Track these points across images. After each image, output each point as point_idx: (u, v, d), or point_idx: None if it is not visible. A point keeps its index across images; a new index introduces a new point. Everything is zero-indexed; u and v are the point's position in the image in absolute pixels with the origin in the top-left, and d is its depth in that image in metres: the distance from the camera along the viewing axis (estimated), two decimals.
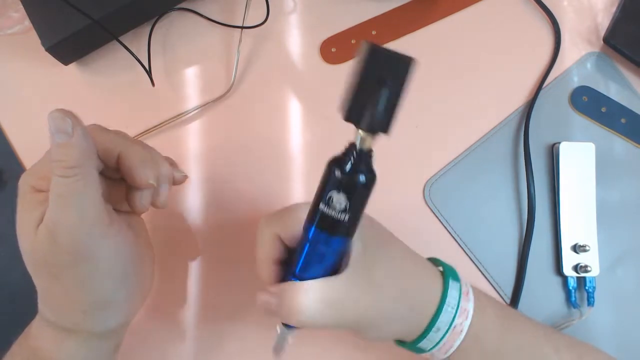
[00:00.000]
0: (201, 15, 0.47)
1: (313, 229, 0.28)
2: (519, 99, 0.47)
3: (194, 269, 0.43)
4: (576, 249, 0.43)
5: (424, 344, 0.32)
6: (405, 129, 0.46)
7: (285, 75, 0.47)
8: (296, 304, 0.28)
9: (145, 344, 0.42)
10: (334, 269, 0.30)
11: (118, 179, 0.34)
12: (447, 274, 0.33)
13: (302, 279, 0.29)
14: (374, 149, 0.28)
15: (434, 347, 0.32)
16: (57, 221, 0.28)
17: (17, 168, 0.45)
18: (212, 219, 0.44)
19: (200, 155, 0.45)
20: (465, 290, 0.33)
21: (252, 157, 0.45)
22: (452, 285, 0.32)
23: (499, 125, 0.46)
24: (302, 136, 0.46)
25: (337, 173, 0.27)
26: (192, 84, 0.47)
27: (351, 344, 0.42)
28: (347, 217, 0.27)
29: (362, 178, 0.27)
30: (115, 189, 0.34)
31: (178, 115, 0.45)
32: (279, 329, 0.32)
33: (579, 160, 0.44)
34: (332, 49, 0.47)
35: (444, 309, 0.31)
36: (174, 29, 0.47)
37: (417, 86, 0.47)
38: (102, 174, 0.33)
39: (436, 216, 0.44)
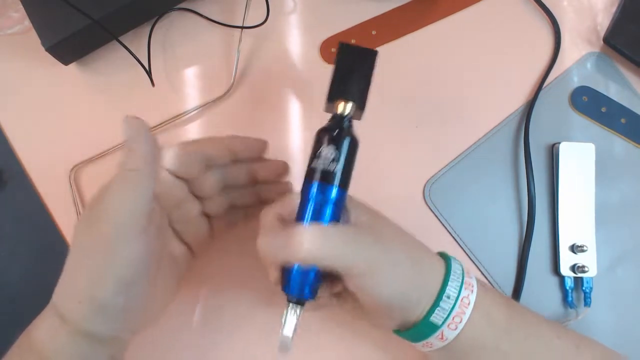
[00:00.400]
0: (201, 15, 0.47)
1: (310, 184, 0.32)
2: (519, 99, 0.47)
3: (195, 268, 0.43)
4: (574, 249, 0.43)
5: (436, 316, 0.31)
6: (405, 129, 0.46)
7: (285, 75, 0.47)
8: (308, 236, 0.28)
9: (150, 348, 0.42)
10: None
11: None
12: (450, 261, 0.34)
13: None
14: (353, 121, 0.33)
15: (445, 319, 0.31)
16: (97, 204, 0.29)
17: (17, 168, 0.45)
18: None
19: None
20: (466, 269, 0.34)
21: None
22: (454, 261, 0.34)
23: (499, 125, 0.46)
24: (302, 136, 0.46)
25: (324, 132, 0.32)
26: (192, 84, 0.47)
27: (360, 345, 0.42)
28: (337, 166, 0.31)
29: (345, 133, 0.32)
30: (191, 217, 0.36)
31: (178, 115, 0.45)
32: (284, 317, 0.31)
33: (579, 161, 0.44)
34: (332, 49, 0.47)
35: (450, 277, 0.32)
36: (174, 29, 0.47)
37: (417, 86, 0.47)
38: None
39: (436, 216, 0.44)
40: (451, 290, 0.31)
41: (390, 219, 0.35)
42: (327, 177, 0.31)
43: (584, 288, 0.43)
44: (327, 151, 0.32)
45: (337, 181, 0.31)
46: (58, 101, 0.46)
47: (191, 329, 0.42)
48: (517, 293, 0.43)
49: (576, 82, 0.47)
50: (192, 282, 0.43)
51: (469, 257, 0.44)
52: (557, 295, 0.43)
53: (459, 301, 0.31)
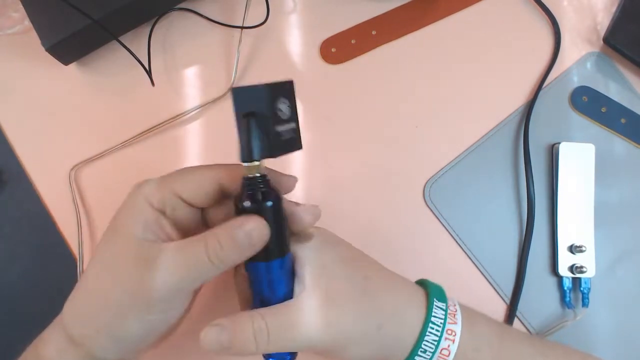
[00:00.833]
0: (201, 15, 0.47)
1: (248, 263, 0.29)
2: (519, 99, 0.47)
3: None
4: (572, 249, 0.43)
5: None
6: (405, 129, 0.46)
7: (285, 75, 0.47)
8: (255, 330, 0.27)
9: None
10: (289, 294, 0.30)
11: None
12: (432, 294, 0.31)
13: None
14: (263, 173, 0.29)
15: None
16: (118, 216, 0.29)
17: (17, 168, 0.45)
18: None
19: (200, 155, 0.45)
20: (453, 310, 0.31)
21: None
22: (437, 306, 0.31)
23: (499, 125, 0.46)
24: (302, 136, 0.46)
25: (240, 205, 0.28)
26: (192, 84, 0.47)
27: None
28: (277, 236, 0.29)
29: (257, 203, 0.28)
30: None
31: (178, 115, 0.45)
32: None
33: (579, 161, 0.44)
34: (332, 49, 0.47)
35: (427, 329, 0.29)
36: (174, 29, 0.47)
37: (417, 86, 0.47)
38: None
39: (436, 216, 0.44)
40: (428, 344, 0.29)
41: (363, 253, 0.33)
42: (259, 255, 0.28)
43: (582, 289, 0.43)
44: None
45: (271, 256, 0.29)
46: (58, 101, 0.46)
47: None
48: (516, 293, 0.43)
49: (576, 82, 0.47)
50: None
51: (469, 257, 0.44)
52: (555, 295, 0.43)
53: (437, 354, 0.29)
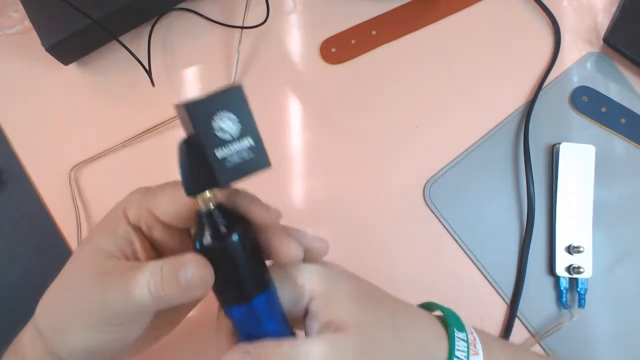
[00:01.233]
0: (201, 15, 0.47)
1: (226, 307, 0.26)
2: (519, 99, 0.47)
3: None
4: (570, 250, 0.43)
5: None
6: (405, 129, 0.46)
7: (285, 75, 0.47)
8: (283, 358, 0.25)
9: None
10: (284, 328, 0.27)
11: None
12: (451, 323, 0.30)
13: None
14: (212, 204, 0.25)
15: None
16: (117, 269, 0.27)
17: (17, 168, 0.45)
18: None
19: None
20: (472, 339, 0.30)
21: None
22: (458, 336, 0.29)
23: (499, 125, 0.46)
24: (302, 136, 0.46)
25: (193, 242, 0.25)
26: (192, 84, 0.47)
27: None
28: (241, 276, 0.25)
29: (220, 238, 0.24)
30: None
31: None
32: None
33: (579, 162, 0.44)
34: (332, 49, 0.47)
35: None
36: (174, 29, 0.47)
37: (417, 86, 0.47)
38: None
39: (436, 216, 0.44)
40: None
41: (379, 288, 0.31)
42: (232, 297, 0.26)
43: (578, 289, 0.43)
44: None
45: (252, 292, 0.25)
46: (58, 101, 0.46)
47: None
48: (516, 293, 0.43)
49: (576, 82, 0.47)
50: None
51: (469, 257, 0.44)
52: (552, 296, 0.43)
53: None
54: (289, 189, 0.45)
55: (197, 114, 0.23)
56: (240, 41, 0.46)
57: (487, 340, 0.31)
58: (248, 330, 0.26)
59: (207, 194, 0.24)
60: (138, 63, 0.44)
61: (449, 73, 0.47)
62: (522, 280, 0.43)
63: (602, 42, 0.47)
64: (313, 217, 0.44)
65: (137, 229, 0.28)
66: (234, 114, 0.24)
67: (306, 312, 0.28)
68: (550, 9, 0.47)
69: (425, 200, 0.45)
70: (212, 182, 0.23)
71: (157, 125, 0.45)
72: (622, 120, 0.46)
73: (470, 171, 0.45)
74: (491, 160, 0.45)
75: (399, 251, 0.44)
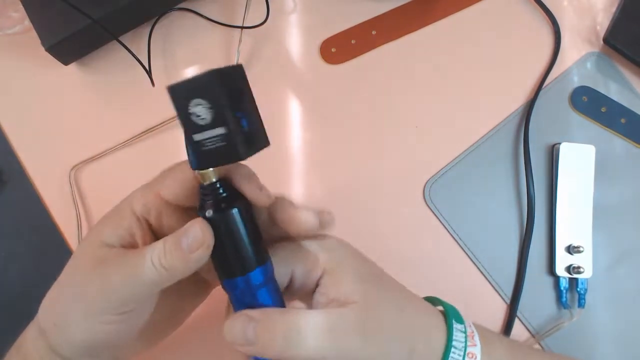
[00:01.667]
0: (201, 15, 0.47)
1: (223, 280, 0.27)
2: (519, 99, 0.47)
3: None
4: (570, 249, 0.43)
5: None
6: (405, 129, 0.46)
7: (285, 75, 0.47)
8: (287, 327, 0.25)
9: None
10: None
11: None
12: (450, 315, 0.30)
13: None
14: (214, 179, 0.26)
15: None
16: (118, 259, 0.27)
17: (17, 168, 0.45)
18: None
19: None
20: (470, 332, 0.30)
21: (251, 156, 0.45)
22: (457, 327, 0.30)
23: (499, 125, 0.46)
24: (302, 136, 0.46)
25: (206, 215, 0.26)
26: None
27: None
28: (242, 249, 0.26)
29: (224, 209, 0.25)
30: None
31: None
32: None
33: (579, 162, 0.44)
34: (332, 49, 0.47)
35: (450, 354, 0.28)
36: (174, 29, 0.47)
37: (417, 86, 0.47)
38: None
39: (436, 216, 0.44)
40: None
41: (384, 271, 0.31)
42: (230, 269, 0.26)
43: (578, 289, 0.43)
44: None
45: (251, 264, 0.26)
46: (58, 101, 0.46)
47: None
48: (517, 293, 0.43)
49: (576, 82, 0.47)
50: None
51: (469, 257, 0.44)
52: (552, 296, 0.43)
53: None
54: (289, 188, 0.45)
55: (176, 96, 0.24)
56: (240, 41, 0.46)
57: (487, 335, 0.31)
58: (245, 305, 0.26)
59: (210, 168, 0.25)
60: (138, 63, 0.44)
61: (449, 73, 0.47)
62: (522, 280, 0.43)
63: (602, 42, 0.47)
64: None
65: (143, 221, 0.28)
66: (206, 101, 0.24)
67: (316, 286, 0.29)
68: (550, 9, 0.47)
69: (425, 200, 0.45)
70: (194, 163, 0.24)
71: (157, 125, 0.45)
72: (622, 120, 0.46)
73: (470, 171, 0.45)
74: (491, 160, 0.45)
75: (398, 251, 0.44)
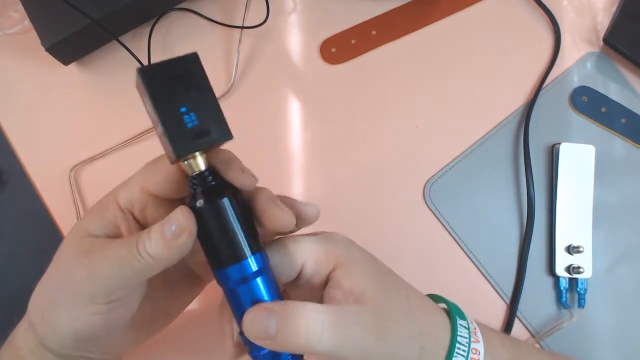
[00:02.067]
0: (201, 15, 0.47)
1: (216, 272, 0.26)
2: (519, 99, 0.47)
3: None
4: (570, 250, 0.43)
5: None
6: (405, 129, 0.46)
7: (285, 75, 0.47)
8: (309, 322, 0.25)
9: None
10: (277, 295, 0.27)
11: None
12: (453, 312, 0.30)
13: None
14: (203, 167, 0.25)
15: None
16: (98, 248, 0.27)
17: (17, 168, 0.45)
18: None
19: None
20: (473, 328, 0.30)
21: (251, 156, 0.45)
22: (461, 324, 0.30)
23: (499, 125, 0.46)
24: (302, 136, 0.46)
25: (193, 206, 0.25)
26: None
27: None
28: (236, 235, 0.25)
29: (209, 200, 0.25)
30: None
31: None
32: None
33: (578, 162, 0.44)
34: (332, 49, 0.47)
35: (455, 350, 0.28)
36: (174, 29, 0.47)
37: (417, 86, 0.47)
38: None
39: (436, 216, 0.44)
40: None
41: (391, 271, 0.31)
42: (224, 259, 0.26)
43: (578, 289, 0.43)
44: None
45: (246, 252, 0.25)
46: (58, 101, 0.46)
47: None
48: (516, 293, 0.43)
49: (576, 82, 0.47)
50: None
51: (469, 257, 0.44)
52: (552, 296, 0.43)
53: None
54: (288, 188, 0.45)
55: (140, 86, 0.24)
56: (240, 41, 0.46)
57: (488, 333, 0.31)
58: (238, 299, 0.26)
59: (198, 157, 0.25)
60: (138, 63, 0.44)
61: (449, 73, 0.47)
62: (522, 280, 0.43)
63: (602, 42, 0.47)
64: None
65: (128, 213, 0.28)
66: (144, 96, 0.24)
67: (326, 280, 0.28)
68: (550, 9, 0.47)
69: (425, 200, 0.45)
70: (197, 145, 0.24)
71: None
72: (622, 120, 0.46)
73: (470, 171, 0.45)
74: (491, 161, 0.45)
75: (398, 251, 0.44)
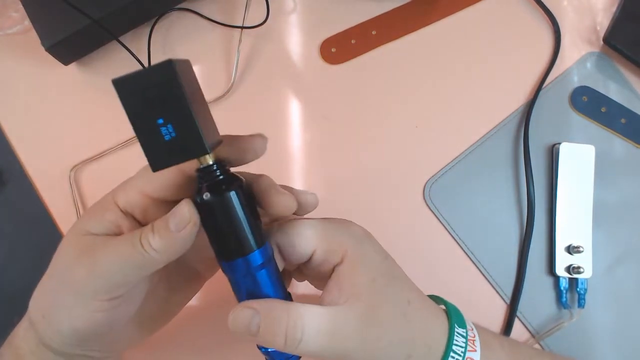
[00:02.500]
0: (201, 15, 0.47)
1: (222, 263, 0.27)
2: (519, 99, 0.47)
3: None
4: (570, 250, 0.43)
5: None
6: (405, 129, 0.46)
7: (285, 75, 0.47)
8: (289, 326, 0.25)
9: None
10: (280, 288, 0.28)
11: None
12: (452, 318, 0.30)
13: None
14: (210, 161, 0.25)
15: None
16: (99, 247, 0.27)
17: (17, 168, 0.45)
18: None
19: None
20: (472, 336, 0.30)
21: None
22: (458, 332, 0.30)
23: (499, 125, 0.46)
24: (302, 136, 0.46)
25: (199, 200, 0.25)
26: None
27: None
28: (242, 228, 0.26)
29: (217, 194, 0.25)
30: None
31: None
32: None
33: (578, 162, 0.44)
34: (332, 49, 0.47)
35: (448, 359, 0.28)
36: (174, 29, 0.47)
37: (417, 86, 0.47)
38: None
39: (436, 216, 0.44)
40: None
41: (403, 271, 0.31)
42: (230, 252, 0.26)
43: (578, 289, 0.43)
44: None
45: (252, 246, 0.26)
46: (58, 101, 0.46)
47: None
48: (516, 293, 0.43)
49: (576, 82, 0.47)
50: None
51: (469, 257, 0.44)
52: (552, 296, 0.43)
53: None
54: None
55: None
56: (240, 41, 0.46)
57: (488, 337, 0.31)
58: (244, 289, 0.27)
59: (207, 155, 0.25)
60: (138, 63, 0.44)
61: (449, 73, 0.47)
62: (522, 280, 0.43)
63: (602, 42, 0.47)
64: (312, 216, 0.44)
65: (129, 216, 0.28)
66: (122, 105, 0.23)
67: (333, 271, 0.29)
68: (550, 9, 0.47)
69: (425, 200, 0.45)
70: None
71: None
72: (622, 120, 0.46)
73: (470, 171, 0.45)
74: (491, 161, 0.45)
75: (398, 251, 0.44)
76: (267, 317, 0.26)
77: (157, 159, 0.23)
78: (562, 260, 0.43)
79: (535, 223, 0.44)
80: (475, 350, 0.29)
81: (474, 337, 0.30)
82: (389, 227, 0.45)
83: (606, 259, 0.44)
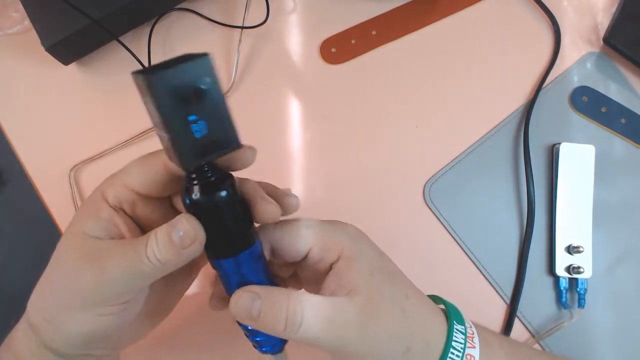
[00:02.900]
0: (201, 15, 0.47)
1: (213, 261, 0.27)
2: (519, 99, 0.47)
3: None
4: (570, 250, 0.43)
5: None
6: (405, 129, 0.46)
7: (285, 75, 0.47)
8: (290, 310, 0.26)
9: None
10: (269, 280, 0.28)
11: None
12: (451, 315, 0.30)
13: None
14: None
15: None
16: (103, 252, 0.27)
17: (17, 168, 0.45)
18: None
19: None
20: (470, 333, 0.30)
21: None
22: (457, 328, 0.30)
23: (499, 125, 0.46)
24: (302, 136, 0.46)
25: (182, 201, 0.25)
26: None
27: None
28: (229, 233, 0.26)
29: (208, 194, 0.25)
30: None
31: None
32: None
33: (578, 162, 0.44)
34: (332, 49, 0.47)
35: (448, 355, 0.29)
36: (174, 29, 0.47)
37: (417, 86, 0.47)
38: None
39: (436, 216, 0.44)
40: None
41: (398, 268, 0.31)
42: (222, 250, 0.26)
43: (578, 289, 0.43)
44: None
45: (242, 246, 0.26)
46: (58, 101, 0.46)
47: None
48: (516, 293, 0.43)
49: (576, 82, 0.47)
50: None
51: (469, 257, 0.44)
52: (552, 296, 0.43)
53: None
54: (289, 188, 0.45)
55: (139, 86, 0.23)
56: (240, 41, 0.46)
57: (487, 336, 0.31)
58: (234, 284, 0.27)
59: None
60: (138, 63, 0.44)
61: (449, 73, 0.47)
62: (522, 280, 0.43)
63: (602, 42, 0.47)
64: (312, 216, 0.44)
65: (119, 211, 0.28)
66: (151, 100, 0.22)
67: (330, 269, 0.29)
68: (550, 9, 0.47)
69: (425, 200, 0.45)
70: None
71: None
72: (622, 120, 0.46)
73: (470, 171, 0.45)
74: (491, 160, 0.45)
75: (398, 251, 0.44)
76: (268, 301, 0.26)
77: (190, 158, 0.23)
78: (562, 260, 0.43)
79: (535, 223, 0.44)
80: (475, 347, 0.29)
81: (473, 334, 0.30)
82: (389, 227, 0.45)
83: (606, 259, 0.44)
